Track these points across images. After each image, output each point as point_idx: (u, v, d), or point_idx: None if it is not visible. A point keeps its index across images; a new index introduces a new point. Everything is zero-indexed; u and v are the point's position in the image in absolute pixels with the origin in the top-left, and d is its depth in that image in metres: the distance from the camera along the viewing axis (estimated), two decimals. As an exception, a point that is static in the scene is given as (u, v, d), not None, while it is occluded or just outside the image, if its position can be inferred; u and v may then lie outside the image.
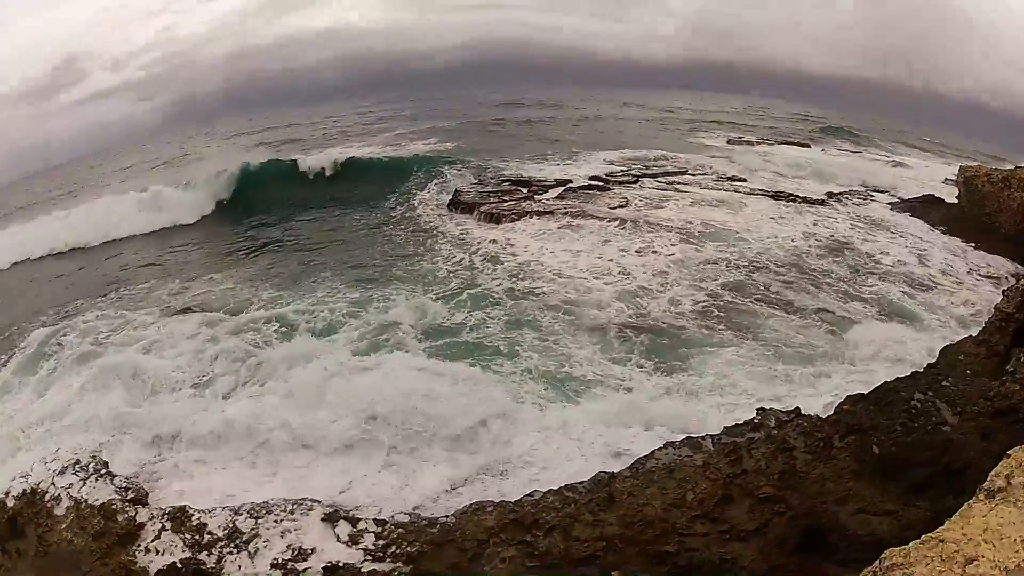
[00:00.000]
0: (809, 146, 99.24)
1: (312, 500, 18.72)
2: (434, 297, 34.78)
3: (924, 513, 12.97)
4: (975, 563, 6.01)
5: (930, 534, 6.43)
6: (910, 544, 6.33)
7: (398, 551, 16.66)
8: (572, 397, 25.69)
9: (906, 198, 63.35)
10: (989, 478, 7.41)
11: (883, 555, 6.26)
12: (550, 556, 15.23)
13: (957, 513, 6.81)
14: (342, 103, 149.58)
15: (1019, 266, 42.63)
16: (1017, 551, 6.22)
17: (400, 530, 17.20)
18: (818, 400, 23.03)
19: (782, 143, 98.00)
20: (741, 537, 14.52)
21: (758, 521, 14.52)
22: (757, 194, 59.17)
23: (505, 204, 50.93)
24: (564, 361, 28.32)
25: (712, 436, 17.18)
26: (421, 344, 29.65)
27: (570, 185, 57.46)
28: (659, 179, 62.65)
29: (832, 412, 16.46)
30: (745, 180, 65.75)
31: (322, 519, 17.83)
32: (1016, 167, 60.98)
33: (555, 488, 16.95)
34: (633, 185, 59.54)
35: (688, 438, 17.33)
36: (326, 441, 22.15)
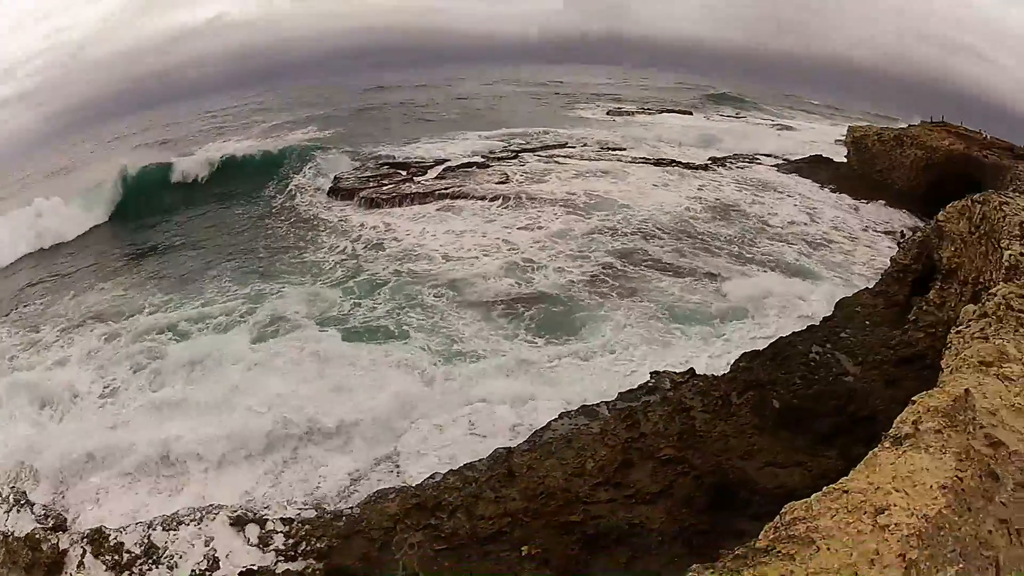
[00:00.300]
0: (691, 113, 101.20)
1: (219, 506, 18.59)
2: (323, 286, 34.44)
3: (835, 463, 12.83)
4: (887, 512, 5.60)
5: (833, 485, 6.01)
6: (812, 497, 5.90)
7: (308, 548, 16.57)
8: (466, 374, 25.47)
9: (793, 159, 64.97)
10: (895, 425, 7.11)
11: (784, 509, 5.82)
12: (457, 537, 15.04)
13: (862, 462, 6.45)
14: (225, 96, 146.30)
15: (917, 219, 43.50)
16: (935, 498, 5.89)
17: (307, 527, 17.13)
18: (719, 360, 23.15)
19: (664, 111, 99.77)
20: (647, 500, 14.34)
21: (662, 483, 14.36)
22: (640, 163, 59.93)
23: (384, 188, 50.57)
24: (455, 339, 28.38)
25: (607, 403, 17.15)
26: (317, 334, 29.17)
27: (449, 164, 57.49)
28: (539, 153, 62.88)
29: (728, 370, 16.44)
30: (627, 150, 66.68)
31: (231, 524, 17.74)
32: (910, 126, 62.63)
33: (455, 468, 16.90)
34: (513, 161, 59.66)
35: (583, 406, 17.30)
36: (229, 444, 21.57)
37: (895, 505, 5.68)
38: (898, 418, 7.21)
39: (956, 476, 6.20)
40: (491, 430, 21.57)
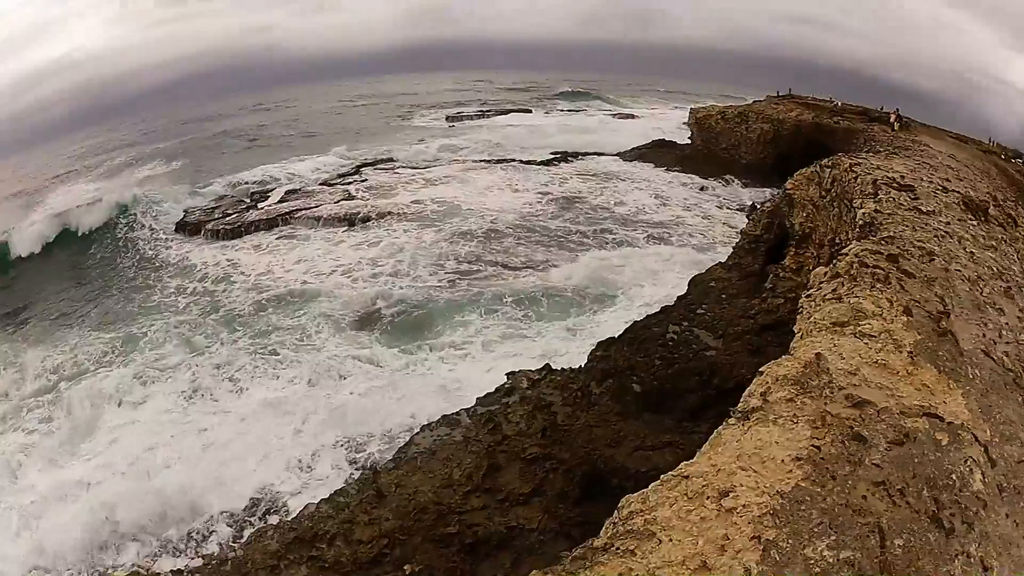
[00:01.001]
0: (531, 111, 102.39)
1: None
2: (178, 327, 32.76)
3: (706, 437, 12.66)
4: (732, 495, 5.19)
5: (672, 472, 5.59)
6: (650, 486, 5.45)
7: (201, 598, 15.95)
8: (332, 395, 25.07)
9: (637, 146, 66.13)
10: (743, 399, 6.81)
11: (620, 503, 5.38)
12: (340, 565, 14.54)
13: (707, 443, 6.09)
14: (78, 135, 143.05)
15: (768, 190, 44.29)
16: (789, 471, 5.55)
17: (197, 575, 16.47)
18: (581, 346, 23.02)
19: (505, 112, 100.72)
20: (520, 501, 14.03)
21: (532, 482, 14.06)
22: (483, 165, 60.27)
23: (229, 218, 49.26)
24: (321, 362, 27.77)
25: (467, 409, 16.86)
26: (181, 386, 27.63)
27: (291, 187, 56.58)
28: (380, 167, 62.51)
29: (585, 361, 16.24)
30: (468, 152, 67.86)
31: (118, 584, 16.92)
32: (754, 101, 64.19)
33: (326, 497, 16.41)
34: (354, 177, 59.02)
35: (444, 416, 17.04)
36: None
37: (741, 485, 5.32)
38: (746, 392, 6.94)
39: (812, 445, 5.92)
40: (361, 447, 21.39)
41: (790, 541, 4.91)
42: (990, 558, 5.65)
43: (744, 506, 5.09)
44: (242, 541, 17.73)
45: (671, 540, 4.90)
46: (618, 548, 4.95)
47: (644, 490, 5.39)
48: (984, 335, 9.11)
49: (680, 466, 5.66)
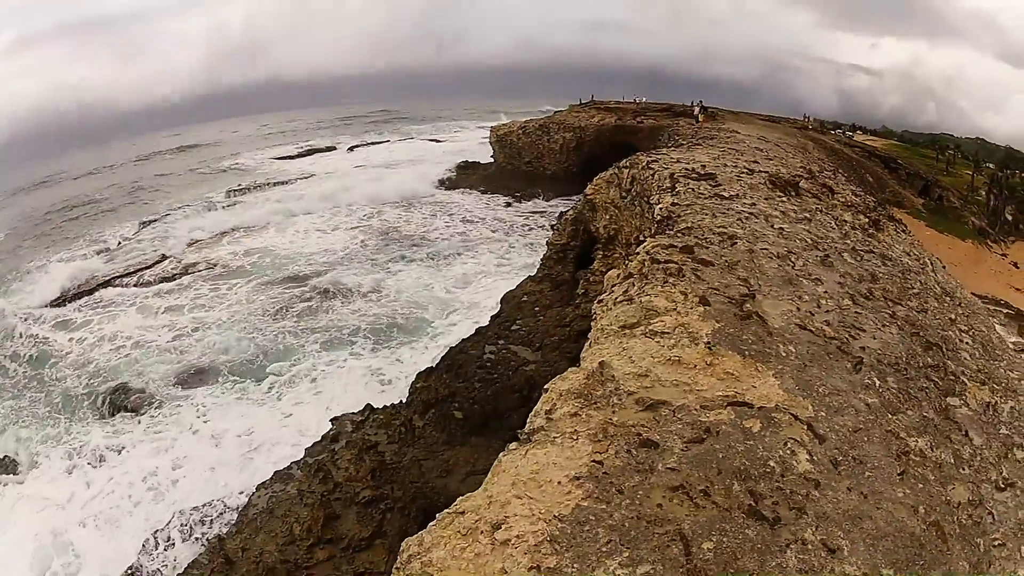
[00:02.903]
0: (336, 148, 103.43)
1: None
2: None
3: None
4: (505, 526, 5.14)
5: (447, 510, 5.49)
6: (427, 527, 5.36)
7: None
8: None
9: (443, 169, 67.05)
10: (528, 420, 6.77)
11: (401, 547, 5.24)
12: None
13: (489, 473, 6.02)
14: None
15: (575, 198, 45.43)
16: (568, 492, 5.48)
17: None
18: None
19: (305, 154, 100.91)
20: (363, 546, 14.05)
21: (372, 525, 14.12)
22: (300, 214, 59.45)
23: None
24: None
25: (296, 462, 16.77)
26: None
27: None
28: (185, 223, 60.46)
29: (407, 395, 16.28)
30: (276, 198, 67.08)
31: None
32: (555, 112, 65.32)
33: (179, 571, 16.20)
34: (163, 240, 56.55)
35: (276, 473, 16.94)
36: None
37: (515, 515, 5.24)
38: (532, 412, 6.88)
39: (593, 461, 5.85)
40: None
41: (575, 565, 4.79)
42: (835, 538, 5.45)
43: (518, 536, 5.02)
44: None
45: (447, 582, 4.78)
46: (397, 596, 4.88)
47: (422, 531, 5.29)
48: (799, 309, 9.25)
49: (456, 501, 5.57)
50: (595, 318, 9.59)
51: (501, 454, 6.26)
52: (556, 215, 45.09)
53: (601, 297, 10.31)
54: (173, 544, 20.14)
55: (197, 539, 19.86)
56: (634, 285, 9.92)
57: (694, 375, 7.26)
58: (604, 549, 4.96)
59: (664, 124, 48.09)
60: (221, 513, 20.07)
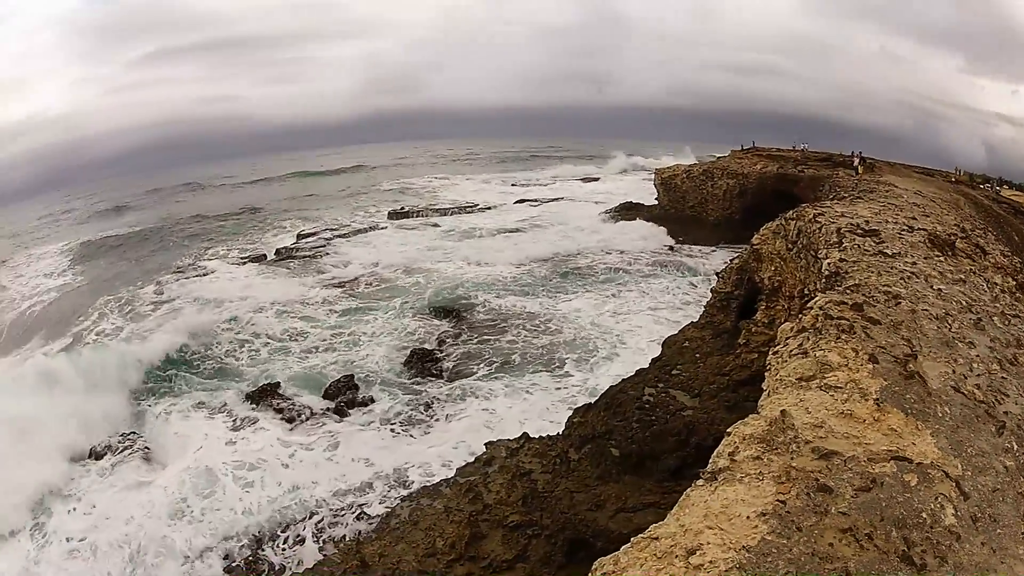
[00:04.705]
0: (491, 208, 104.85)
1: None
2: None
3: None
4: (699, 552, 5.36)
5: (642, 534, 5.75)
6: (621, 548, 5.63)
7: None
8: None
9: (606, 210, 67.80)
10: (711, 460, 6.91)
11: (594, 565, 5.55)
12: None
13: (677, 504, 6.21)
14: (33, 202, 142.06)
15: (740, 246, 45.09)
16: (755, 526, 5.69)
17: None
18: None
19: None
20: (504, 568, 14.10)
21: (516, 549, 14.13)
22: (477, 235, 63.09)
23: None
24: None
25: (447, 480, 16.91)
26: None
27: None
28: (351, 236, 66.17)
29: (563, 428, 16.38)
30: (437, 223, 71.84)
31: None
32: (718, 158, 64.86)
33: (309, 567, 16.39)
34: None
35: (424, 487, 17.14)
36: None
37: (708, 543, 5.46)
38: (714, 452, 7.04)
39: (777, 500, 6.03)
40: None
41: (758, 591, 4.98)
42: (965, 587, 5.72)
43: (711, 562, 5.23)
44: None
45: (642, 599, 4.98)
46: (592, 608, 5.08)
47: (616, 552, 5.55)
48: (954, 371, 9.17)
49: (650, 528, 5.81)
50: (770, 368, 9.61)
51: (688, 489, 6.44)
52: (718, 261, 44.77)
53: (776, 348, 10.30)
54: (303, 542, 20.63)
55: (326, 541, 20.16)
56: (808, 339, 9.91)
57: (863, 429, 7.40)
58: (781, 581, 5.19)
59: (824, 174, 47.39)
60: (358, 518, 20.34)
